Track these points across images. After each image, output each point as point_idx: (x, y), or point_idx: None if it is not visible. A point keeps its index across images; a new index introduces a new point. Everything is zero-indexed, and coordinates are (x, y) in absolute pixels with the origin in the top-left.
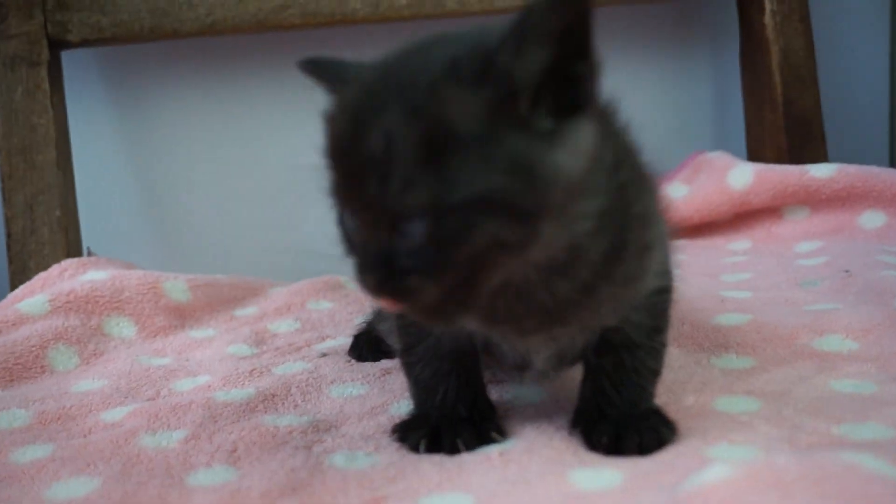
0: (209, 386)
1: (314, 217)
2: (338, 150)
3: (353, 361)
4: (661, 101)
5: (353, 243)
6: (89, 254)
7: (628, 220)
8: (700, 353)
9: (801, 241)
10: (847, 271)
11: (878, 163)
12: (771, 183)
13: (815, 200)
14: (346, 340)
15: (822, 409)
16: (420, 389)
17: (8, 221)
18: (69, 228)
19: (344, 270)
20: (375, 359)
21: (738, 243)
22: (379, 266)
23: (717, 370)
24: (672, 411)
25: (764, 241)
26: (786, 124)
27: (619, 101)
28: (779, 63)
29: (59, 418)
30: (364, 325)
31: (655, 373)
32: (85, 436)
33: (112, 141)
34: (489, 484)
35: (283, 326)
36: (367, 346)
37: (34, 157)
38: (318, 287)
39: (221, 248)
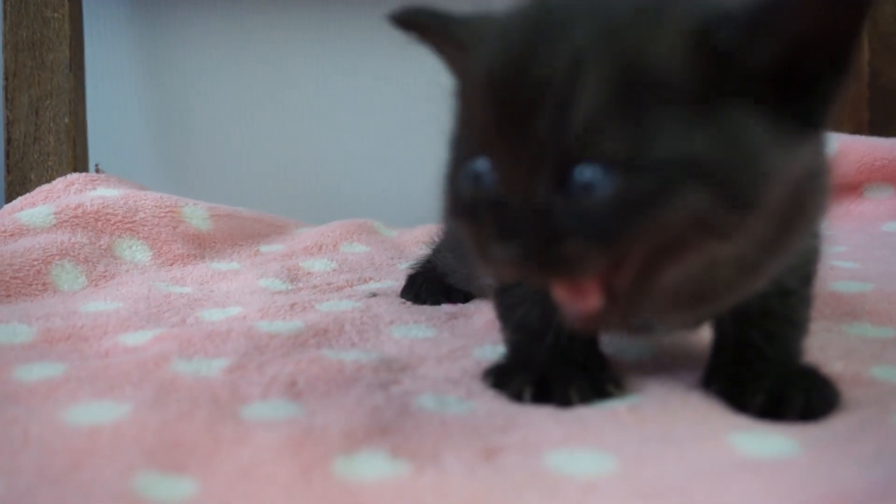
0: (244, 317)
1: (343, 155)
2: (497, 74)
3: (408, 304)
4: None
5: (480, 203)
6: (98, 170)
7: (805, 188)
8: (826, 321)
9: (887, 221)
10: None
11: None
12: (857, 155)
13: None
14: (394, 283)
15: None
16: (522, 334)
17: (8, 125)
18: (77, 140)
19: (374, 216)
20: (436, 301)
21: None
22: (530, 228)
23: (855, 338)
24: None
25: (844, 219)
26: (870, 96)
27: None
28: (867, 29)
29: (68, 338)
30: (420, 265)
31: (806, 325)
32: (102, 358)
33: (130, 49)
34: (629, 443)
35: (318, 265)
36: (425, 287)
37: (44, 55)
38: (351, 229)
39: (240, 181)
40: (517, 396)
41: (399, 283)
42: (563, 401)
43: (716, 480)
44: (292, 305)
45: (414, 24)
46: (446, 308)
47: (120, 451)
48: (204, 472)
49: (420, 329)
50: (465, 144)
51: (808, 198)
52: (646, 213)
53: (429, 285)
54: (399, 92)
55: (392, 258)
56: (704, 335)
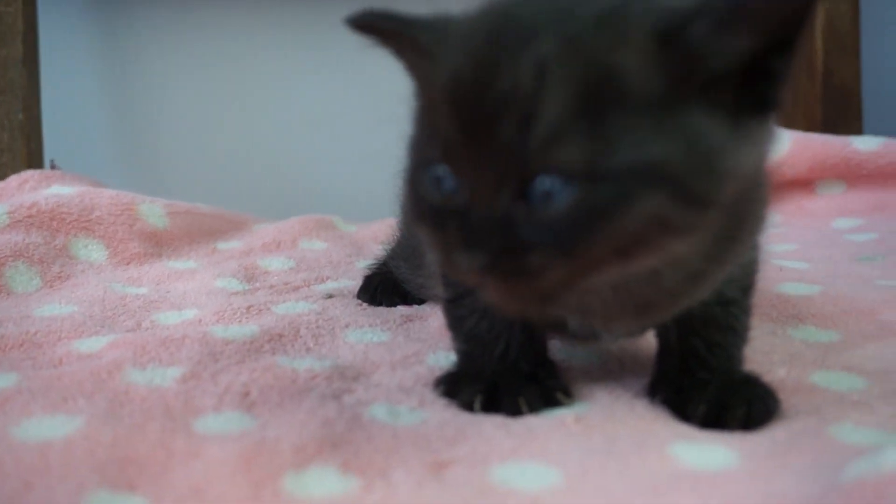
0: (200, 321)
1: (303, 149)
2: (459, 83)
3: (364, 305)
4: None
5: (445, 212)
6: (53, 167)
7: (750, 197)
8: (772, 324)
9: (837, 217)
10: None
11: None
12: (810, 152)
13: (854, 175)
14: (350, 283)
15: None
16: (474, 343)
17: None
18: (32, 136)
19: (333, 211)
20: (391, 303)
21: None
22: (493, 238)
23: (799, 342)
24: None
25: (796, 216)
26: (823, 95)
27: None
28: (822, 28)
29: (21, 344)
30: (376, 266)
31: (746, 334)
32: (55, 366)
33: (85, 43)
34: (574, 454)
35: (275, 264)
36: (380, 289)
37: None
38: (309, 225)
39: (198, 177)
40: (468, 406)
41: (356, 282)
42: (513, 410)
43: (656, 494)
44: (248, 308)
45: (371, 27)
46: (402, 310)
47: (71, 470)
48: (155, 490)
49: (375, 333)
50: (426, 149)
51: (752, 202)
52: (605, 222)
53: (384, 287)
54: (357, 86)
55: (350, 255)
56: (651, 341)
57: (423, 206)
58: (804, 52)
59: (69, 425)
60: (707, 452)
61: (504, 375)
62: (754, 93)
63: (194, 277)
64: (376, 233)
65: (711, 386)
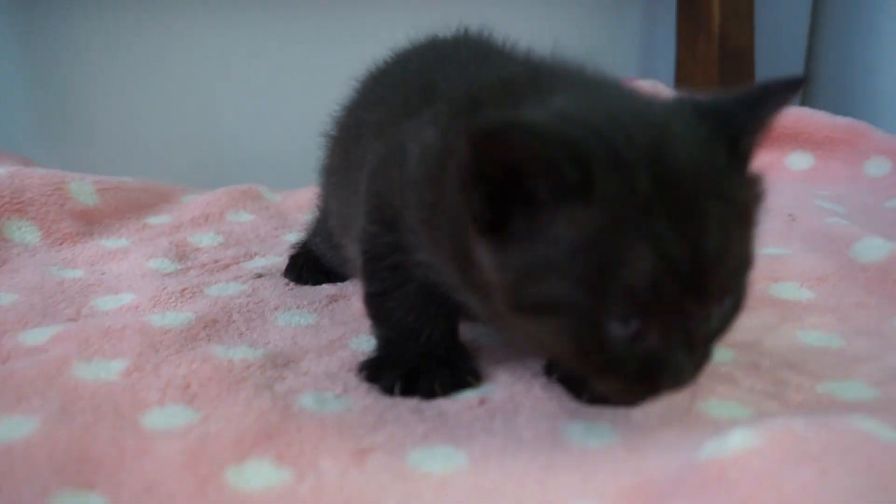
0: (137, 307)
1: (228, 116)
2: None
3: (291, 284)
4: (587, 21)
5: (660, 353)
6: None
7: None
8: None
9: None
10: (790, 215)
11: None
12: None
13: None
14: (277, 260)
15: (798, 364)
16: (398, 332)
17: None
18: None
19: (261, 180)
20: (316, 281)
21: None
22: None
23: None
24: None
25: None
26: (720, 57)
27: None
28: None
29: None
30: (300, 244)
31: None
32: (4, 361)
33: (5, 19)
34: (478, 437)
35: (205, 240)
36: (305, 268)
37: None
38: (236, 196)
39: (125, 150)
40: (389, 390)
41: (283, 258)
42: (428, 393)
43: (546, 471)
44: (182, 291)
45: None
46: (326, 289)
47: (34, 471)
48: (112, 488)
49: (302, 315)
50: (599, 304)
51: None
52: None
53: (308, 266)
54: (282, 53)
55: (276, 228)
56: None
57: (605, 356)
58: (703, 18)
59: (27, 426)
60: (593, 430)
61: (422, 361)
62: None
63: (127, 257)
64: (300, 202)
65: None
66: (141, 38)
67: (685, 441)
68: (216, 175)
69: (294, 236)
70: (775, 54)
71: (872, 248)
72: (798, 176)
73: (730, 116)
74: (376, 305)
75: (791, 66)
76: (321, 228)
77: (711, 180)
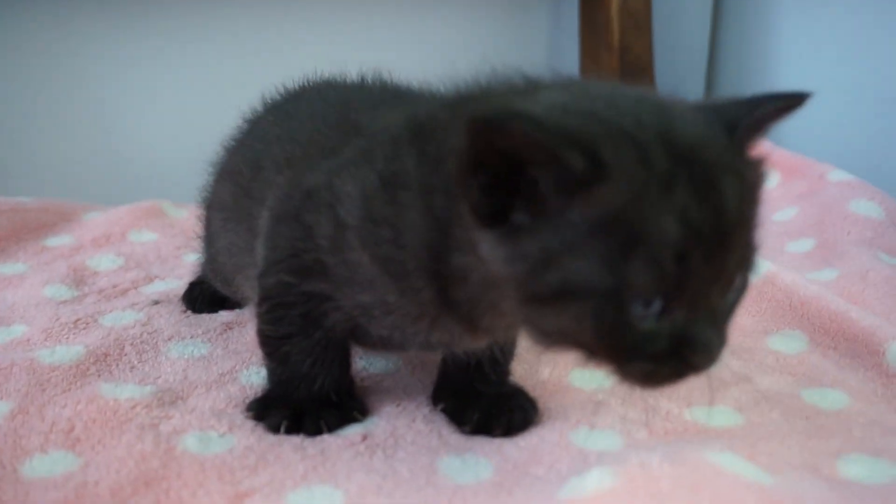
0: (28, 340)
1: (133, 128)
2: (696, 227)
3: (188, 312)
4: (494, 32)
5: (687, 329)
6: None
7: None
8: None
9: None
10: None
11: None
12: None
13: None
14: (177, 284)
15: (670, 389)
16: (293, 375)
17: None
18: None
19: (166, 192)
20: (213, 310)
21: None
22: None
23: None
24: (530, 387)
25: None
26: (620, 68)
27: None
28: (618, 9)
29: None
30: (199, 272)
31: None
32: None
33: None
34: (357, 476)
35: (105, 263)
36: (201, 298)
37: None
38: (138, 214)
39: (20, 165)
40: (276, 429)
41: (183, 281)
42: (314, 431)
43: None
44: (76, 322)
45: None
46: (223, 316)
47: None
48: None
49: (196, 345)
50: (620, 280)
51: None
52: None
53: (205, 295)
54: (185, 64)
55: (179, 248)
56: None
57: (630, 338)
58: (603, 31)
59: None
60: (468, 466)
61: (309, 401)
62: None
63: (23, 284)
64: None
65: (484, 398)
66: (34, 46)
67: (552, 476)
68: (120, 189)
69: (196, 256)
70: (675, 67)
71: None
72: None
73: (726, 110)
74: (273, 346)
75: (691, 78)
76: (210, 261)
77: (724, 156)
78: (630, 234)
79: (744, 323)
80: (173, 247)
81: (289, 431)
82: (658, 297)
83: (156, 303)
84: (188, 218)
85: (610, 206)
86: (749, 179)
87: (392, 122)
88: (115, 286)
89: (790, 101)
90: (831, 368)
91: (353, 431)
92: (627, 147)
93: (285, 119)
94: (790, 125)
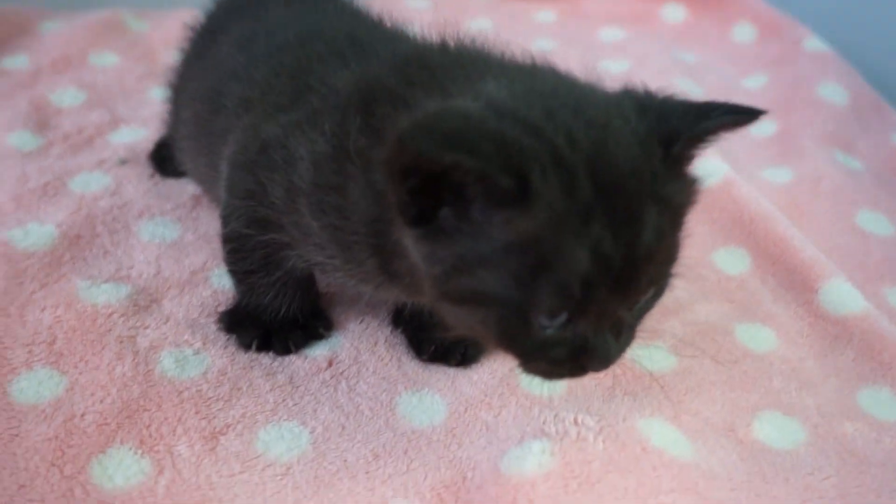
0: (0, 210)
1: None
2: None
3: (156, 177)
4: None
5: (587, 339)
6: None
7: None
8: None
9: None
10: None
11: None
12: None
13: None
14: (143, 133)
15: None
16: (259, 303)
17: None
18: None
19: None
20: (180, 174)
21: (545, 13)
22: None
23: None
24: None
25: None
26: None
27: None
28: None
29: None
30: (166, 131)
31: None
32: None
33: None
34: (322, 412)
35: (67, 98)
36: (170, 159)
37: None
38: (98, 30)
39: None
40: (247, 347)
41: (149, 129)
42: (283, 350)
43: (376, 461)
44: (45, 186)
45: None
46: (191, 187)
47: None
48: None
49: (166, 226)
50: (525, 297)
51: None
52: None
53: (172, 156)
54: None
55: (143, 77)
56: None
57: (532, 343)
58: None
59: None
60: (424, 405)
61: (278, 323)
62: None
63: None
64: (169, 35)
65: (439, 328)
66: None
67: (499, 425)
68: None
69: (161, 91)
70: None
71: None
72: (670, 30)
73: (670, 119)
74: (238, 278)
75: None
76: (177, 149)
77: (649, 183)
78: (542, 259)
79: (697, 231)
80: (136, 76)
81: (259, 349)
82: (562, 313)
83: (123, 162)
84: (150, 32)
85: (528, 229)
86: (675, 203)
87: (342, 85)
88: (80, 131)
89: (741, 118)
90: (766, 298)
91: (319, 353)
92: (555, 173)
93: (246, 46)
94: None
